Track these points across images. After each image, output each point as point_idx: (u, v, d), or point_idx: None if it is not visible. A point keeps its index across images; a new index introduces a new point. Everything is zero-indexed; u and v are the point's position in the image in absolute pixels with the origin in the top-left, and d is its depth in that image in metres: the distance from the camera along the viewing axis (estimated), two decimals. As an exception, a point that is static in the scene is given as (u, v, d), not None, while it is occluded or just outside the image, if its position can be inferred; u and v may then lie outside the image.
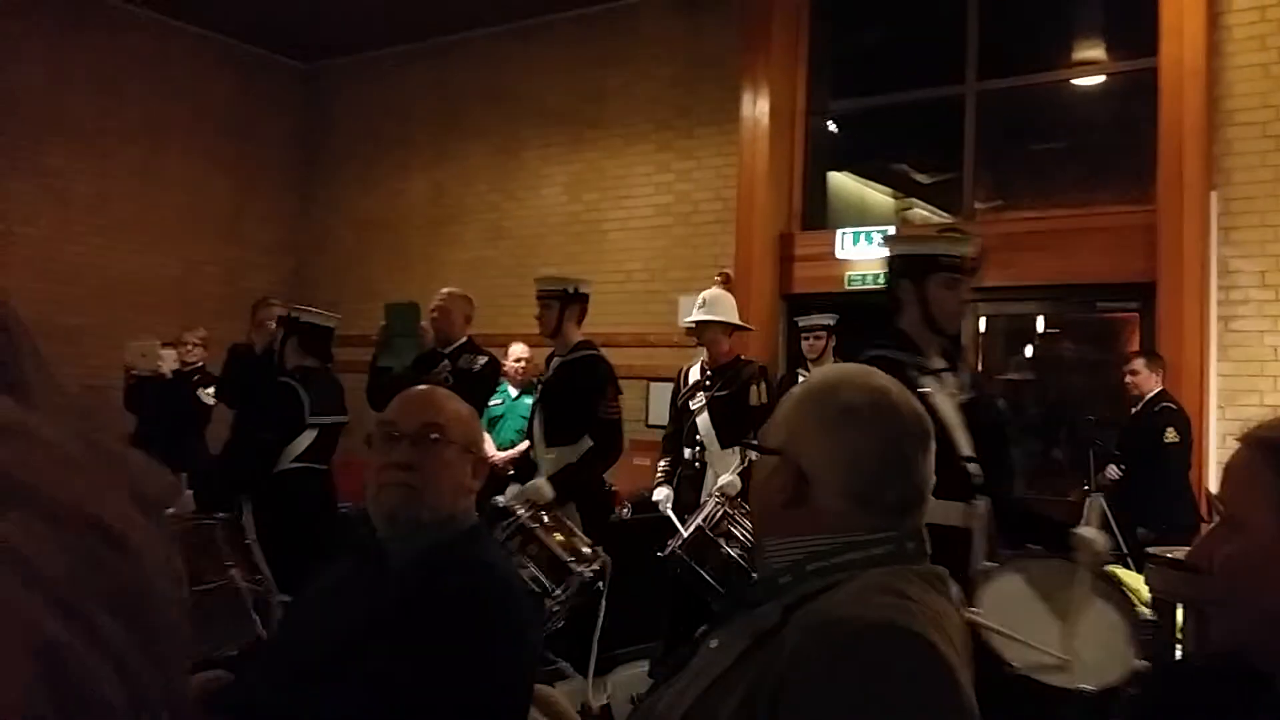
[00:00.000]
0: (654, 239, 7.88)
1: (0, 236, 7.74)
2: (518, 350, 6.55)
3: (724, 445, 4.77)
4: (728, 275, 7.30)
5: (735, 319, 5.14)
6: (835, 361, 5.92)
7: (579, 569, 3.63)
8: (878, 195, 8.69)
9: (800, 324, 6.25)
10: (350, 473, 5.80)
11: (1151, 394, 5.77)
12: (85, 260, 8.13)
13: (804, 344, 6.14)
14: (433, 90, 9.14)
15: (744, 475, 4.46)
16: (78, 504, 0.27)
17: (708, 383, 4.97)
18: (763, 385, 4.92)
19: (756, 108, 7.32)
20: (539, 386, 4.67)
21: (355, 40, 9.32)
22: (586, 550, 3.73)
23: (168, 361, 6.72)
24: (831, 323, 6.11)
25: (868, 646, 1.11)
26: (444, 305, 4.93)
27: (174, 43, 8.95)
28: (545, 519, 3.82)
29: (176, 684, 0.28)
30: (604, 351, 4.61)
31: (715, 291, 5.29)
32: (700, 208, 7.76)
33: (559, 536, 3.76)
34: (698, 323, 5.07)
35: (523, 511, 3.81)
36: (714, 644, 1.29)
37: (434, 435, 1.79)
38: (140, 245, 8.62)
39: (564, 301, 4.44)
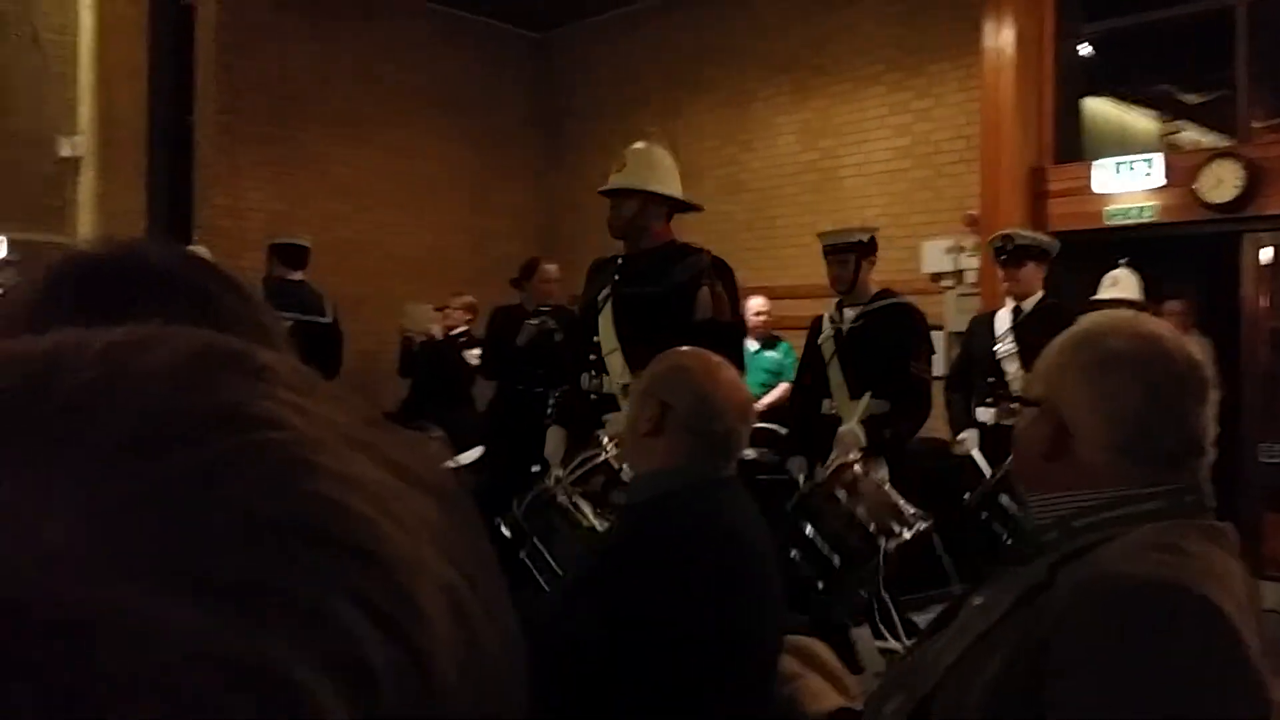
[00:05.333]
0: (892, 183, 7.66)
1: (283, 218, 8.50)
2: (757, 304, 6.57)
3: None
4: (974, 217, 7.01)
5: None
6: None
7: (915, 522, 3.41)
8: (1140, 120, 8.06)
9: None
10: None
11: None
12: (359, 236, 8.81)
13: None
14: (663, 48, 9.22)
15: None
16: (441, 480, 0.30)
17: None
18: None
19: (1000, 37, 6.93)
20: (834, 335, 4.39)
21: (587, 6, 9.53)
22: (912, 509, 3.49)
23: (437, 325, 7.25)
24: (865, 239, 4.51)
25: (1141, 605, 1.06)
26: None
27: (420, 23, 9.44)
28: (865, 469, 3.59)
29: (520, 640, 0.31)
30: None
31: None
32: (941, 148, 7.47)
33: (884, 489, 3.55)
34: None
35: (853, 456, 3.62)
36: (978, 601, 1.28)
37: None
38: (407, 219, 9.24)
39: (860, 253, 4.35)
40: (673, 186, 3.61)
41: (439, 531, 0.28)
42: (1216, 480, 1.32)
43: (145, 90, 8.73)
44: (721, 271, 3.50)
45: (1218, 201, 6.17)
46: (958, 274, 7.18)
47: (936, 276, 7.28)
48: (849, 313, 4.38)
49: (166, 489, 0.24)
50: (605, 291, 3.54)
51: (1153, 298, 5.82)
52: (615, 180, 3.58)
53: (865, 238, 4.41)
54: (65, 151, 9.47)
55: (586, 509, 2.68)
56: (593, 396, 3.50)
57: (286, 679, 0.22)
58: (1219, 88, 7.04)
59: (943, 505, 3.91)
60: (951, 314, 7.18)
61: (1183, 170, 6.37)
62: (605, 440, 2.89)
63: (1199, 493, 1.24)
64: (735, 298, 3.51)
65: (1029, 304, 4.71)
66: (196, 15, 8.33)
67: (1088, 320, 1.38)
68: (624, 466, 2.73)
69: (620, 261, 3.59)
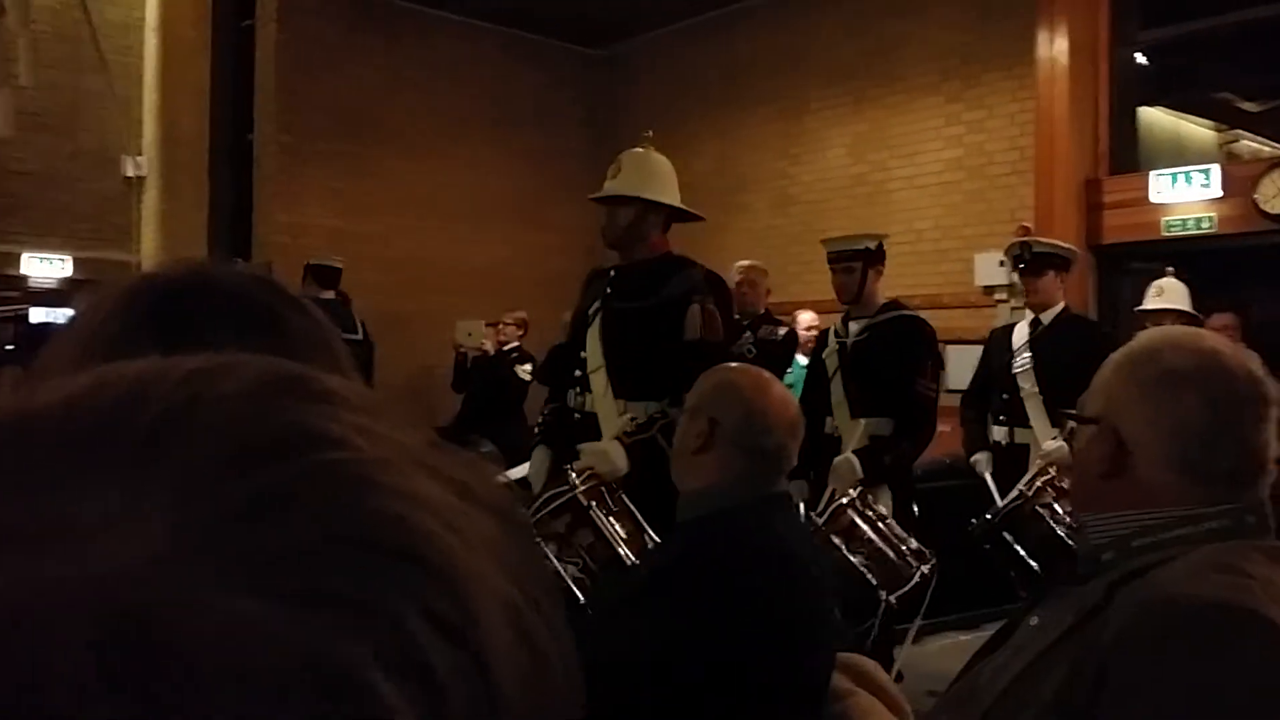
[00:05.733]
0: (944, 195, 7.61)
1: (340, 234, 8.64)
2: (807, 318, 6.55)
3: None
4: (1027, 229, 6.95)
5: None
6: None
7: (917, 567, 3.21)
8: (1197, 129, 7.95)
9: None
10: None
11: None
12: (416, 253, 8.91)
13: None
14: (717, 62, 9.25)
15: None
16: (500, 501, 0.32)
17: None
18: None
19: (1054, 46, 6.87)
20: (839, 350, 4.20)
21: (641, 21, 9.58)
22: (914, 545, 3.29)
23: (490, 340, 7.32)
24: (873, 246, 4.23)
25: (1203, 627, 1.05)
26: (747, 277, 5.03)
27: (482, 43, 9.55)
28: (863, 506, 3.38)
29: (576, 657, 0.32)
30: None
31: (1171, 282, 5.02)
32: (994, 159, 7.41)
33: (881, 528, 3.32)
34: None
35: (844, 500, 3.40)
36: (1034, 621, 1.27)
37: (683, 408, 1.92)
38: (463, 235, 9.33)
39: (867, 261, 4.12)
40: (671, 194, 3.35)
41: (500, 550, 0.29)
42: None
43: (207, 110, 8.94)
44: (716, 287, 3.26)
45: (1277, 212, 6.06)
46: (1011, 287, 7.11)
47: (989, 289, 7.23)
48: (854, 326, 4.18)
49: (249, 504, 0.26)
50: (596, 305, 3.31)
51: (1202, 310, 5.67)
52: (610, 187, 3.33)
53: (873, 245, 4.19)
54: (130, 171, 9.71)
55: (549, 552, 2.45)
56: (577, 415, 3.25)
57: (361, 681, 0.24)
58: (1278, 96, 6.92)
59: (951, 530, 3.73)
60: (1005, 327, 7.12)
61: (1241, 180, 6.26)
62: (574, 476, 2.64)
63: (1261, 513, 1.21)
64: (730, 316, 3.33)
65: (1048, 316, 4.44)
66: (257, 37, 8.51)
67: (1146, 336, 1.35)
68: (593, 504, 2.55)
69: (613, 273, 3.36)
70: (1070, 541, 3.44)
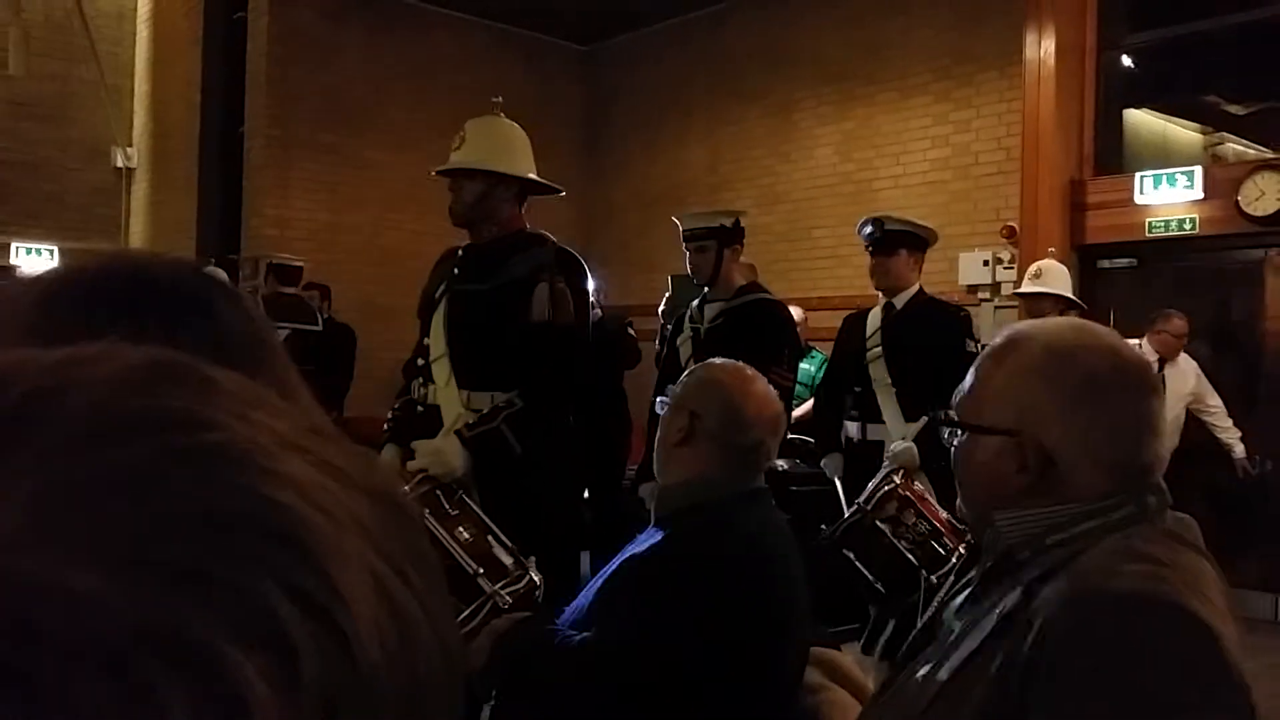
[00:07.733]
0: (930, 195, 7.63)
1: (328, 227, 8.64)
2: (794, 315, 6.58)
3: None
4: (1012, 229, 6.99)
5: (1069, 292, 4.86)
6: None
7: None
8: (1183, 132, 7.97)
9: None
10: (639, 434, 6.11)
11: None
12: (401, 245, 8.89)
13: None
14: (707, 59, 9.25)
15: (919, 442, 3.77)
16: (379, 484, 0.33)
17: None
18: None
19: (1041, 48, 6.90)
20: (693, 336, 3.95)
21: (631, 18, 9.56)
22: None
23: None
24: (728, 224, 3.97)
25: (1122, 621, 1.05)
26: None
27: (472, 38, 9.50)
28: None
29: (456, 634, 0.34)
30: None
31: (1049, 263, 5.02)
32: (980, 159, 7.44)
33: None
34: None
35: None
36: (956, 626, 1.26)
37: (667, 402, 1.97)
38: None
39: (722, 239, 3.86)
40: (522, 165, 3.11)
41: (368, 527, 0.30)
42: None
43: (198, 102, 8.93)
44: (569, 266, 2.99)
45: (1259, 214, 6.10)
46: (995, 286, 7.16)
47: (973, 289, 7.26)
48: (709, 310, 3.92)
49: (107, 480, 0.26)
50: (442, 288, 3.07)
51: (1158, 312, 5.67)
52: (454, 159, 3.08)
53: (728, 222, 3.92)
54: (119, 162, 9.72)
55: None
56: (420, 408, 3.00)
57: (209, 651, 0.24)
58: (1266, 98, 6.96)
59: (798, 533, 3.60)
60: (988, 326, 7.15)
61: (1224, 182, 6.30)
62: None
63: (1159, 492, 1.23)
64: (584, 297, 3.02)
65: (901, 300, 4.13)
66: (249, 29, 8.50)
67: (1045, 336, 1.28)
68: (425, 511, 2.36)
69: (460, 254, 3.14)
70: (911, 558, 3.28)
